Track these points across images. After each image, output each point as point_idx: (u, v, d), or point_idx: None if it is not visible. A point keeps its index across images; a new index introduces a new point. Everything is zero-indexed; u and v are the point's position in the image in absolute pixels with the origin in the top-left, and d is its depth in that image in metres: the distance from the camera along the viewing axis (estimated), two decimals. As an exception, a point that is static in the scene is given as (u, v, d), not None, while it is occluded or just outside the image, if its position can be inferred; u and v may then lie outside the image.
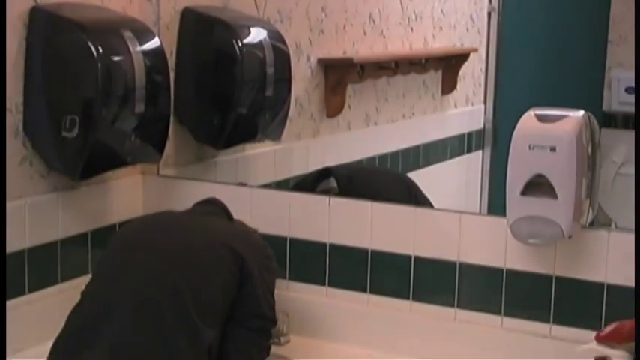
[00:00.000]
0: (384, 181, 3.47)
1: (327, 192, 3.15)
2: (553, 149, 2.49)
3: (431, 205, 3.13)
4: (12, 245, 2.79)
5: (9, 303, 2.78)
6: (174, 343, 2.38)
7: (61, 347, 2.45)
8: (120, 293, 2.47)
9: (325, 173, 3.28)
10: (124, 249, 2.64)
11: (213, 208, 2.82)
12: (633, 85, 3.31)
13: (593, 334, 2.35)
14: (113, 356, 2.37)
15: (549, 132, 2.52)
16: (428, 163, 3.57)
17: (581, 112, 2.55)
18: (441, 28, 3.71)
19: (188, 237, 2.63)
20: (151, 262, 2.52)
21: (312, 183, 3.28)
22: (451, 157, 3.63)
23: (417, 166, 3.54)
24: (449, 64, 3.69)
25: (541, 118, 2.55)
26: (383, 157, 3.55)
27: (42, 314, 2.83)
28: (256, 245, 2.70)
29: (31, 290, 2.89)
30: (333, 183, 3.23)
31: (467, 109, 3.70)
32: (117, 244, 2.70)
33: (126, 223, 3.13)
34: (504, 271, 2.73)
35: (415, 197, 3.21)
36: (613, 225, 2.71)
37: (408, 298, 2.90)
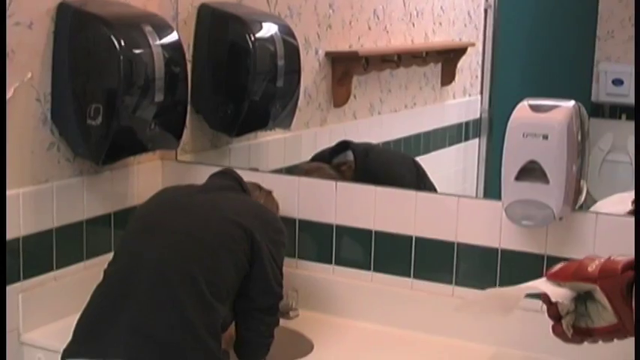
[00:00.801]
0: (396, 158, 3.50)
1: (344, 164, 3.17)
2: (545, 137, 2.50)
3: (434, 186, 3.15)
4: (41, 225, 2.84)
5: (38, 279, 2.86)
6: (190, 320, 2.39)
7: (85, 323, 2.48)
8: (138, 274, 2.48)
9: (343, 146, 3.29)
10: (142, 231, 2.65)
11: (228, 180, 2.81)
12: (619, 77, 3.33)
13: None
14: (132, 332, 2.40)
15: (542, 121, 2.52)
16: (428, 150, 3.57)
17: (572, 103, 2.55)
18: (440, 24, 3.70)
19: (202, 217, 2.63)
20: (166, 244, 2.53)
21: (330, 155, 3.29)
22: (450, 145, 3.63)
23: (417, 153, 3.52)
24: (448, 58, 3.69)
25: (534, 108, 2.55)
26: (386, 145, 3.55)
27: (68, 289, 2.86)
28: (267, 220, 2.70)
29: (58, 267, 2.92)
30: (350, 156, 3.24)
31: (464, 99, 3.70)
32: (136, 225, 2.71)
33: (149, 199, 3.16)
34: (499, 250, 2.74)
35: (422, 175, 3.23)
36: (600, 208, 2.72)
37: (410, 275, 2.92)
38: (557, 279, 2.24)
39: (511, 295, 2.34)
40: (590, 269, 2.13)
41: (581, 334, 2.20)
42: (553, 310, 2.19)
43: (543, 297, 2.19)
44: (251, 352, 2.62)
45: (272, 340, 2.63)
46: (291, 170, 3.35)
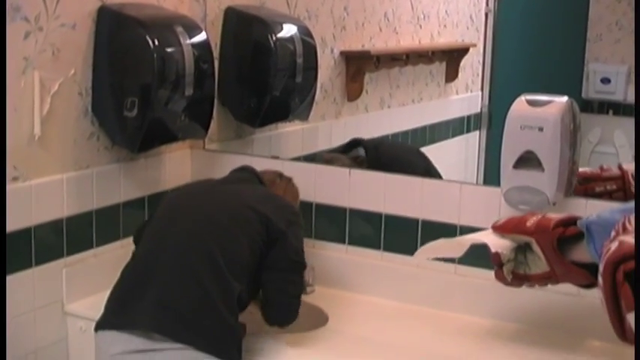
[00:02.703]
0: (404, 151, 3.50)
1: (356, 159, 3.17)
2: (541, 129, 2.51)
3: (439, 174, 3.14)
4: (82, 207, 2.86)
5: (80, 255, 2.88)
6: (208, 293, 2.41)
7: (115, 299, 2.51)
8: (162, 254, 2.50)
9: (355, 143, 3.29)
10: (166, 217, 2.65)
11: (246, 174, 2.83)
12: (607, 76, 3.34)
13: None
14: (157, 304, 2.42)
15: (538, 114, 2.53)
16: (433, 141, 3.57)
17: (565, 98, 2.56)
18: (445, 26, 3.71)
19: (220, 204, 2.64)
20: (188, 228, 2.54)
21: (343, 151, 3.28)
22: (453, 136, 3.63)
23: (423, 144, 3.53)
24: (452, 57, 3.69)
25: (531, 103, 2.56)
26: (395, 136, 3.55)
27: (107, 265, 2.86)
28: (281, 205, 2.69)
29: (97, 245, 2.94)
30: (361, 152, 3.24)
31: (466, 95, 3.69)
32: (161, 212, 2.71)
33: (173, 190, 3.17)
34: (498, 232, 2.74)
35: (428, 165, 3.23)
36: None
37: (416, 254, 2.94)
38: (501, 231, 2.32)
39: (459, 243, 2.43)
40: (528, 224, 2.23)
41: (520, 279, 2.30)
42: (496, 258, 2.27)
43: (487, 247, 2.26)
44: (279, 314, 2.58)
45: (299, 305, 2.58)
46: (311, 158, 3.34)
